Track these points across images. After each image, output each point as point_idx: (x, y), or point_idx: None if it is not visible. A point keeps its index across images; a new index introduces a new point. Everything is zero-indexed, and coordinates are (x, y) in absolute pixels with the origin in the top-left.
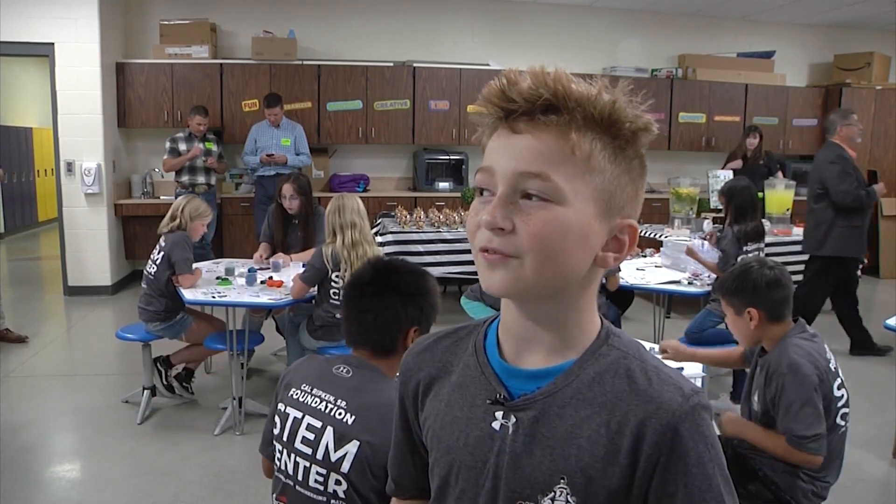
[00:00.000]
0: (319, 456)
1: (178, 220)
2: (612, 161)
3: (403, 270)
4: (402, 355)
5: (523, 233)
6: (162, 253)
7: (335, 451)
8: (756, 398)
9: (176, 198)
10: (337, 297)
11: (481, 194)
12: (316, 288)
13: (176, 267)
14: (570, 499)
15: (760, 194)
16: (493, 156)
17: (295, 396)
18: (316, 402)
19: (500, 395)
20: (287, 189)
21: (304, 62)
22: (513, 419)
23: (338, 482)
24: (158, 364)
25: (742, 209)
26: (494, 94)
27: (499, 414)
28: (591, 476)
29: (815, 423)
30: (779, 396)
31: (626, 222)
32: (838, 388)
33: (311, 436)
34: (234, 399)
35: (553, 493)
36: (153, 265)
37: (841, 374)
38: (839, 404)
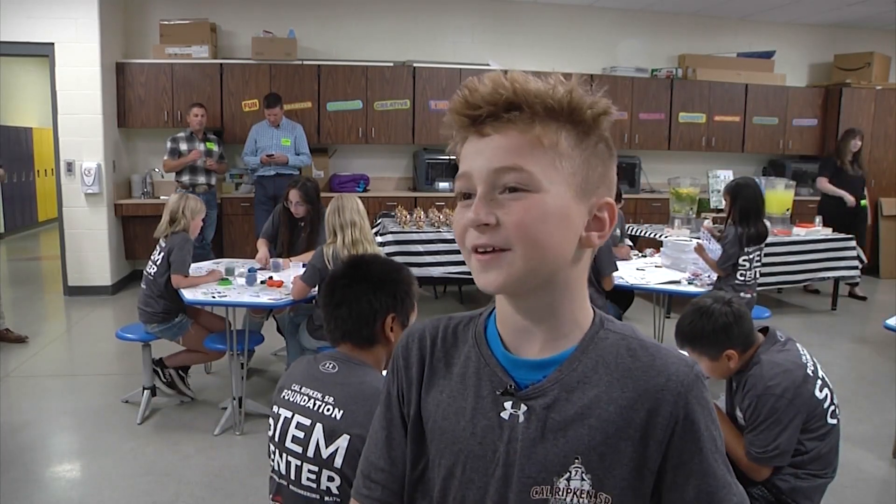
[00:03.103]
0: (310, 454)
1: (181, 223)
2: (577, 146)
3: (373, 262)
4: (385, 345)
5: (508, 224)
6: (162, 254)
7: (326, 448)
8: (738, 413)
9: None
10: None
11: (464, 198)
12: (317, 288)
13: (173, 266)
14: (584, 476)
15: (864, 202)
16: (468, 160)
17: (286, 397)
18: (304, 401)
19: (510, 386)
20: (294, 195)
21: (304, 62)
22: (523, 408)
23: (330, 479)
24: (154, 365)
25: (746, 211)
26: (459, 104)
27: (508, 404)
28: (604, 453)
29: (776, 439)
30: (750, 412)
31: (604, 200)
32: (820, 390)
33: (300, 434)
34: (234, 399)
35: (568, 474)
36: (153, 266)
37: (822, 374)
38: (825, 405)
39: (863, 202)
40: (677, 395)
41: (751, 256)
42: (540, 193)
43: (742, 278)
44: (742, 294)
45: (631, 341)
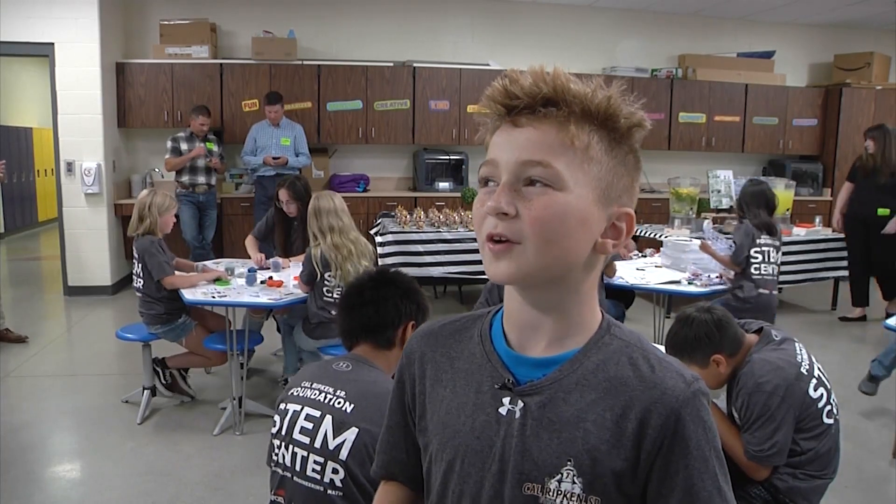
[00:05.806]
0: (318, 444)
1: (147, 220)
2: (608, 153)
3: (397, 272)
4: (400, 350)
5: (526, 217)
6: (140, 264)
7: (334, 439)
8: (735, 412)
9: (176, 198)
10: (330, 295)
11: (486, 185)
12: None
13: (153, 273)
14: (576, 479)
15: (883, 210)
16: (497, 149)
17: (295, 393)
18: (315, 394)
19: (508, 381)
20: (283, 194)
21: (304, 62)
22: (520, 404)
23: (335, 471)
24: (155, 365)
25: (748, 204)
26: (497, 92)
27: (506, 399)
28: (596, 458)
29: (771, 437)
30: (744, 411)
31: (624, 210)
32: (815, 389)
33: (309, 425)
34: (234, 399)
35: (560, 475)
36: (138, 279)
37: (818, 373)
38: (820, 405)
39: (879, 210)
40: (670, 410)
41: (764, 249)
42: (563, 192)
43: (757, 273)
44: (761, 290)
45: (634, 350)
